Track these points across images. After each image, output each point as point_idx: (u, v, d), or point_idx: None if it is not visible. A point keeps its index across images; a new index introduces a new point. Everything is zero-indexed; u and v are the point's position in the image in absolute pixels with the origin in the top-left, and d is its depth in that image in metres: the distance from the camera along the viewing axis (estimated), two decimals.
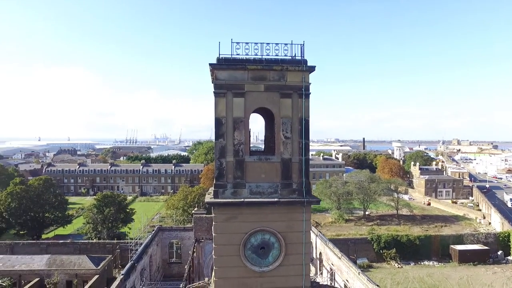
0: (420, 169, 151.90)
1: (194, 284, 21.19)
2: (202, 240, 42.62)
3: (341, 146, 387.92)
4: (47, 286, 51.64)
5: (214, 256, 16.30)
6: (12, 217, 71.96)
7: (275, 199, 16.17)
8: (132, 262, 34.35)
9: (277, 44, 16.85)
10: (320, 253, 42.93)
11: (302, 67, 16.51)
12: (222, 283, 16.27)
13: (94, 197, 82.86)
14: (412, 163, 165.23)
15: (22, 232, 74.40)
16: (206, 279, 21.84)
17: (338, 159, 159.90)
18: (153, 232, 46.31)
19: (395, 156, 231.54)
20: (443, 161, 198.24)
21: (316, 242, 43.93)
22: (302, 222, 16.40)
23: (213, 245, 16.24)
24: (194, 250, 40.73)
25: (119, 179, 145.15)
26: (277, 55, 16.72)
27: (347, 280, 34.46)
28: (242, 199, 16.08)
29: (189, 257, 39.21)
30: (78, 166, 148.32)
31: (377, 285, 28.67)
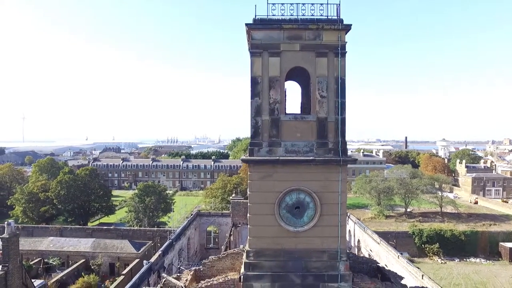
0: (466, 167, 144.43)
1: (230, 250, 21.42)
2: (239, 225, 43.03)
3: (382, 145, 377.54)
4: (92, 267, 54.15)
5: (249, 215, 16.38)
6: (62, 204, 75.91)
7: (311, 158, 16.02)
8: (171, 241, 35.21)
9: (312, 4, 16.69)
10: (359, 241, 42.05)
11: (338, 25, 16.26)
12: (256, 241, 16.32)
13: (136, 187, 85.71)
14: (458, 161, 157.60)
15: (70, 219, 78.28)
16: (241, 246, 22.02)
17: (378, 155, 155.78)
18: (191, 216, 47.21)
19: (439, 155, 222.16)
20: (492, 161, 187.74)
21: (354, 229, 43.07)
22: (338, 182, 16.13)
23: (248, 203, 16.31)
24: (231, 233, 41.17)
25: (160, 173, 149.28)
26: (312, 15, 16.58)
27: (385, 265, 33.49)
28: (278, 157, 16.07)
29: (226, 239, 39.65)
30: (121, 161, 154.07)
31: (418, 267, 27.65)
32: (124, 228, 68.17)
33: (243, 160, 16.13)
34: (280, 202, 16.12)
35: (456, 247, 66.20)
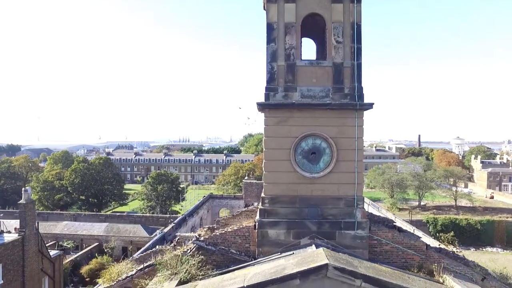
0: (481, 162, 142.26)
1: (244, 208, 21.34)
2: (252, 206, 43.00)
3: (395, 144, 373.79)
4: (105, 250, 54.69)
5: (264, 161, 16.28)
6: (76, 192, 76.93)
7: (327, 102, 15.85)
8: (184, 216, 35.43)
9: None
10: None
11: None
12: (272, 188, 16.20)
13: (149, 175, 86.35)
14: (473, 156, 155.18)
15: (84, 208, 79.32)
16: (256, 204, 21.93)
17: (391, 150, 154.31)
18: (203, 197, 47.35)
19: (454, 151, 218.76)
20: (508, 157, 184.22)
21: (368, 210, 42.65)
22: (354, 128, 15.93)
23: (264, 149, 16.20)
24: None
25: (172, 168, 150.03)
26: None
27: None
28: (293, 102, 15.94)
29: None
30: (134, 156, 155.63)
31: (438, 238, 27.19)
32: (137, 214, 68.73)
33: (258, 104, 16.00)
34: (295, 147, 15.97)
35: (472, 236, 65.07)
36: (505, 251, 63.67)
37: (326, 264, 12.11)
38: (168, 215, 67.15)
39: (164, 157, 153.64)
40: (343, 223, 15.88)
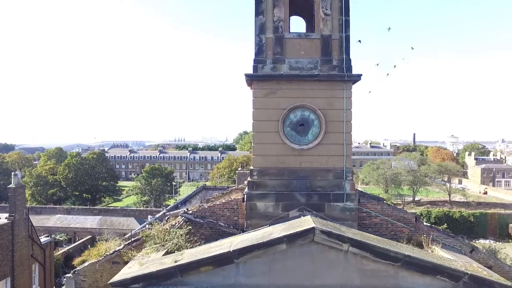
0: (475, 159, 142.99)
1: (234, 186, 21.29)
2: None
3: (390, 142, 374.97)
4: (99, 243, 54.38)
5: (252, 133, 16.22)
6: (69, 187, 76.49)
7: (315, 73, 15.82)
8: (176, 204, 35.29)
9: None
10: None
11: None
12: (260, 160, 16.16)
13: (143, 169, 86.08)
14: (467, 153, 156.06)
15: (77, 203, 78.86)
16: (245, 182, 21.80)
17: (386, 147, 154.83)
18: (197, 188, 47.23)
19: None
20: (502, 153, 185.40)
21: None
22: (343, 99, 15.91)
23: (252, 121, 16.14)
24: None
25: (167, 165, 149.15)
26: None
27: None
28: (282, 73, 15.90)
29: None
30: (129, 153, 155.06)
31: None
32: (131, 208, 68.45)
33: (246, 76, 15.95)
34: (284, 119, 15.94)
35: (465, 229, 65.13)
36: (497, 243, 63.86)
37: (313, 228, 12.08)
38: (162, 209, 66.90)
39: (159, 154, 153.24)
40: (332, 195, 15.86)
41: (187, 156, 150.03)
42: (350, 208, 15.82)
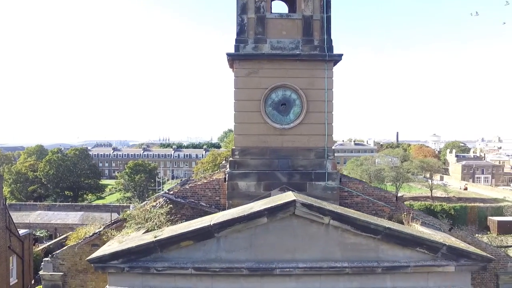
0: (456, 156, 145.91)
1: (216, 171, 21.18)
2: None
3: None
4: None
5: (234, 112, 16.17)
6: (51, 184, 75.01)
7: (296, 53, 15.87)
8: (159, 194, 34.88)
9: None
10: None
11: None
12: (242, 139, 16.13)
13: (126, 165, 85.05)
14: (448, 150, 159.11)
15: (59, 200, 77.39)
16: None
17: (370, 144, 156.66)
18: (181, 180, 46.82)
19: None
20: (481, 151, 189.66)
21: None
22: (324, 79, 16.01)
23: (234, 100, 16.09)
24: None
25: (151, 163, 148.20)
26: None
27: None
28: (263, 52, 15.90)
29: None
30: (112, 151, 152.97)
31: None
32: (114, 204, 67.58)
33: (228, 55, 15.89)
34: (266, 99, 15.95)
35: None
36: (477, 234, 65.28)
37: (294, 201, 12.10)
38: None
39: (143, 152, 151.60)
40: (314, 174, 15.94)
41: (171, 154, 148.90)
42: (332, 187, 15.92)
